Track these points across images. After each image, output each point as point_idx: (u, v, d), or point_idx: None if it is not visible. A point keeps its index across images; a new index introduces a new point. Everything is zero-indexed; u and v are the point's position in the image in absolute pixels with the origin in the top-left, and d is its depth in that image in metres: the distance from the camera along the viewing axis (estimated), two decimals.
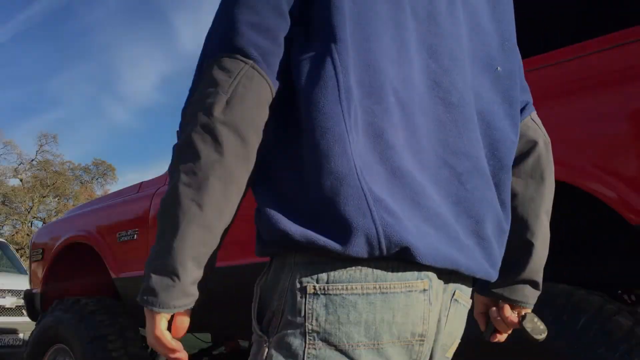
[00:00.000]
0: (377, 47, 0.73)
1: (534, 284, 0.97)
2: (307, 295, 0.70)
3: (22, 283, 6.59)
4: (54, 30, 46.59)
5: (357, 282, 0.69)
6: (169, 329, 0.77)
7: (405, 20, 0.76)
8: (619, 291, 2.54)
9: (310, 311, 0.69)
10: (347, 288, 0.69)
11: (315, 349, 0.69)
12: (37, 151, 30.28)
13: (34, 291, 3.95)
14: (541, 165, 0.95)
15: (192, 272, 0.72)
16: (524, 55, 1.91)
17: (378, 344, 0.70)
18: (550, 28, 2.72)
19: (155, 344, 0.77)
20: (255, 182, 0.75)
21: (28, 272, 4.21)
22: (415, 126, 0.75)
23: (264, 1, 0.73)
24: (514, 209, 0.93)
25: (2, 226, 29.68)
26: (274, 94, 0.73)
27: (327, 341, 0.69)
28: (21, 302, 6.23)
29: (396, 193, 0.71)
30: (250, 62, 0.71)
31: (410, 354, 0.72)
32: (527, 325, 0.97)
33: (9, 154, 32.22)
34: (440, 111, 0.78)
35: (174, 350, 0.77)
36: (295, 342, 0.70)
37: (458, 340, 0.88)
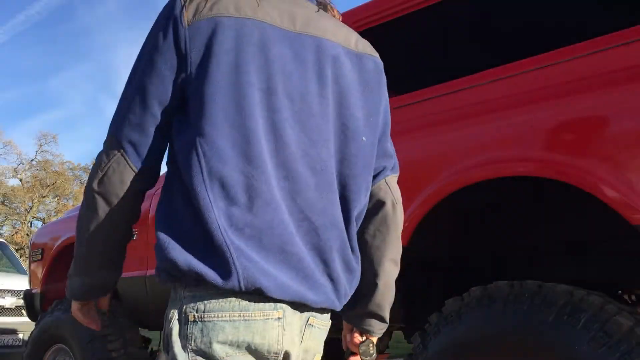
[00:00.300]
0: (253, 126, 0.96)
1: (379, 317, 1.19)
2: (189, 322, 0.93)
3: (21, 283, 6.59)
4: (54, 30, 46.56)
5: (226, 311, 0.92)
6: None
7: (277, 103, 0.99)
8: (619, 291, 2.54)
9: (190, 334, 0.93)
10: (218, 316, 0.92)
11: (197, 357, 0.92)
12: (36, 151, 30.27)
13: (33, 291, 3.95)
14: (387, 222, 1.15)
15: (83, 279, 1.08)
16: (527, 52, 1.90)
17: (242, 356, 0.93)
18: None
19: (75, 317, 1.18)
20: (158, 222, 0.99)
21: (28, 272, 4.21)
22: (287, 187, 0.99)
23: (138, 102, 0.99)
24: (365, 255, 1.14)
25: (2, 226, 29.65)
26: (143, 172, 1.01)
27: (204, 356, 0.92)
28: (21, 302, 6.23)
29: (264, 242, 0.94)
30: (121, 151, 1.00)
31: None
32: (362, 347, 1.21)
33: (8, 154, 32.06)
34: (307, 175, 1.01)
35: (87, 323, 1.18)
36: (182, 357, 0.93)
37: (319, 355, 1.08)
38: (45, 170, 29.87)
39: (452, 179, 1.98)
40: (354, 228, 1.09)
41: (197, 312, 0.93)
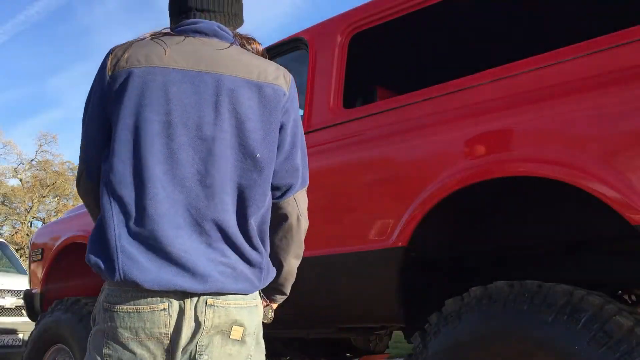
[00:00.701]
0: (147, 155, 1.24)
1: (280, 292, 1.53)
2: (103, 310, 1.26)
3: (21, 283, 6.58)
4: (54, 30, 46.50)
5: (124, 304, 1.23)
6: None
7: (174, 133, 1.26)
8: (619, 291, 2.54)
9: (103, 319, 1.26)
10: (119, 308, 1.24)
11: (108, 340, 1.25)
12: (36, 151, 30.22)
13: (33, 291, 3.95)
14: (292, 231, 1.43)
15: None
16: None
17: (139, 338, 1.23)
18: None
19: None
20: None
21: (28, 272, 4.20)
22: (176, 200, 1.25)
23: (85, 135, 1.35)
24: (273, 251, 1.43)
25: (2, 226, 29.62)
26: (97, 184, 1.35)
27: (112, 337, 1.24)
28: (21, 302, 6.21)
29: (151, 246, 1.23)
30: (83, 167, 1.38)
31: (162, 344, 1.23)
32: (262, 312, 1.50)
33: (8, 154, 31.97)
34: (198, 189, 1.27)
35: None
36: (99, 334, 1.27)
37: (239, 327, 1.30)
38: (45, 170, 29.84)
39: (452, 179, 1.98)
40: (254, 229, 1.32)
41: (108, 304, 1.26)
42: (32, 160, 30.12)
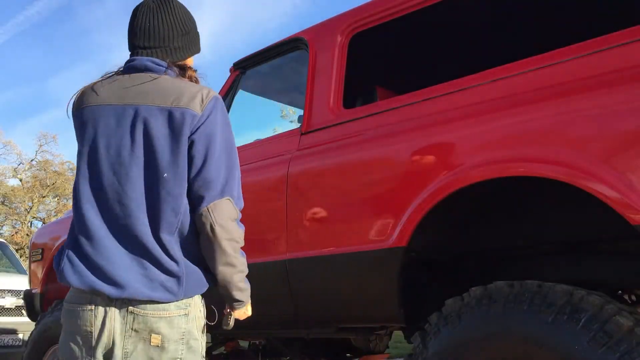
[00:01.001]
0: (82, 180, 1.53)
1: (231, 299, 1.62)
2: (63, 308, 1.55)
3: (21, 283, 6.58)
4: (54, 30, 46.49)
5: (67, 303, 1.53)
6: None
7: (100, 161, 1.51)
8: (619, 291, 2.54)
9: (62, 316, 1.56)
10: (68, 307, 1.52)
11: (64, 330, 1.53)
12: (36, 151, 30.21)
13: (33, 291, 3.94)
14: (210, 240, 1.51)
15: None
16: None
17: (74, 333, 1.49)
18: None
19: None
20: None
21: (28, 272, 4.20)
22: (103, 218, 1.50)
23: None
24: (206, 262, 1.54)
25: (2, 226, 29.60)
26: None
27: (65, 331, 1.53)
28: (21, 302, 6.21)
29: (84, 255, 1.49)
30: None
31: (88, 339, 1.47)
32: (224, 319, 1.66)
33: (8, 154, 31.88)
34: (117, 208, 1.50)
35: None
36: (62, 329, 1.56)
37: (157, 335, 1.46)
38: (45, 170, 29.80)
39: (451, 179, 1.98)
40: (170, 241, 1.48)
41: (65, 303, 1.54)
42: (32, 160, 30.10)
